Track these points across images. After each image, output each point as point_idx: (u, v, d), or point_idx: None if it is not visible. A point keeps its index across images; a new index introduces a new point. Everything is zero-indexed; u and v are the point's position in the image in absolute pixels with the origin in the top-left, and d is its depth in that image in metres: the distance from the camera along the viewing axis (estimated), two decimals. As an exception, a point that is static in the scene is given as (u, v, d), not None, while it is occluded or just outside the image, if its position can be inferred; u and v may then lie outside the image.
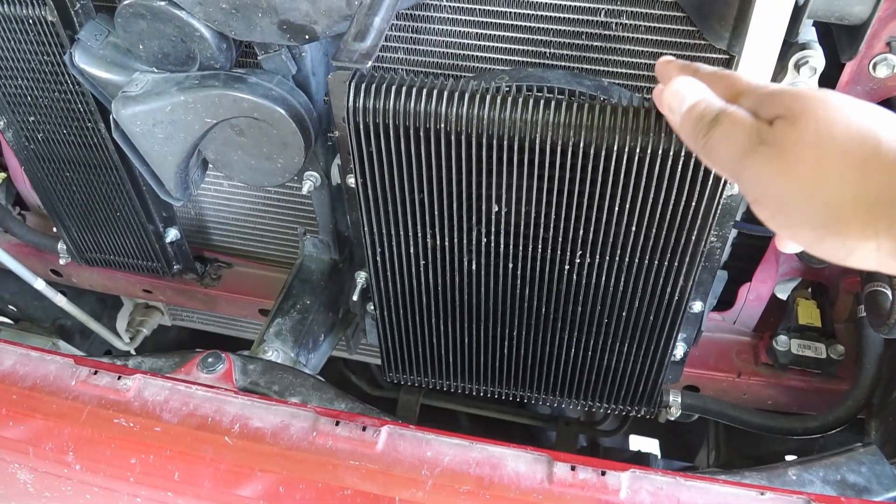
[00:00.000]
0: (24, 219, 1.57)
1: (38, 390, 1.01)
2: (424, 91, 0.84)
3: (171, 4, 0.91)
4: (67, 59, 1.01)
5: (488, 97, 0.83)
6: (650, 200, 0.87)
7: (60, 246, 1.43)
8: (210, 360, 1.00)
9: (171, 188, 1.01)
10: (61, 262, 1.45)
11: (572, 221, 0.92)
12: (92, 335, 1.79)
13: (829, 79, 0.95)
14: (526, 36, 1.01)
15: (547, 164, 0.86)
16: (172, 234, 1.35)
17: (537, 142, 0.84)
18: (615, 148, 0.82)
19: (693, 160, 0.82)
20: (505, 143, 0.85)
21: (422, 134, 0.86)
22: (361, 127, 0.87)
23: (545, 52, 1.01)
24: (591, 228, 0.92)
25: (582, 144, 0.83)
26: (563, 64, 1.01)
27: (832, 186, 0.49)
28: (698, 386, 1.33)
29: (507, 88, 0.87)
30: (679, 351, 1.10)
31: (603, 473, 0.88)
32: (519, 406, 2.04)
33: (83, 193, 1.29)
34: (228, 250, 1.47)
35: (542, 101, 0.83)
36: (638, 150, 0.82)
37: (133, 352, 1.87)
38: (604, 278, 0.98)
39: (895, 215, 0.46)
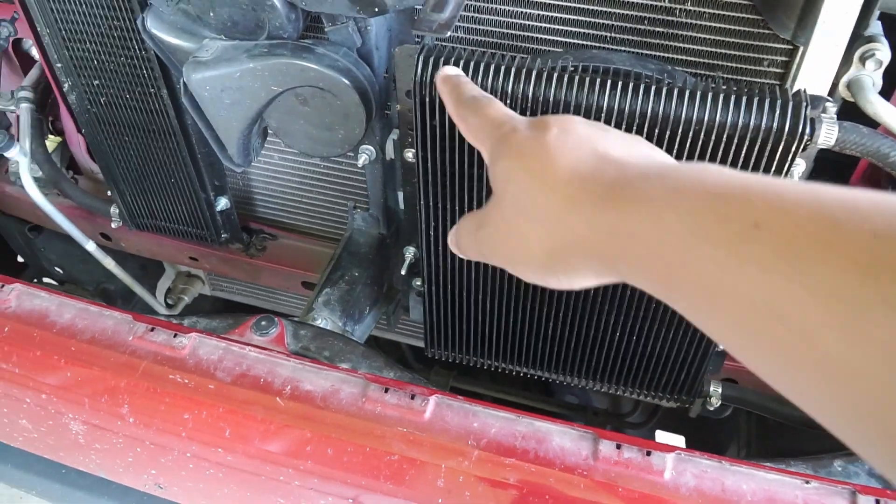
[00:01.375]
0: (76, 182, 1.61)
1: (96, 343, 1.04)
2: (492, 67, 0.86)
3: (244, -27, 0.93)
4: (139, 24, 1.03)
5: (555, 76, 0.84)
6: (709, 186, 0.88)
7: (113, 210, 1.46)
8: (263, 323, 1.02)
9: (234, 154, 1.03)
10: (113, 225, 1.48)
11: (629, 204, 0.92)
12: (133, 300, 1.83)
13: (892, 74, 0.95)
14: (588, 19, 1.01)
15: (609, 145, 0.87)
16: (223, 202, 1.38)
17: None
18: (679, 131, 0.83)
19: (758, 146, 0.82)
20: (569, 121, 0.86)
21: (486, 109, 0.87)
22: (427, 100, 0.89)
23: (606, 37, 1.02)
24: (648, 211, 0.93)
25: (646, 128, 0.84)
26: (624, 49, 1.02)
27: (533, 247, 0.58)
28: (737, 379, 1.33)
29: (573, 69, 0.88)
30: (722, 341, 1.11)
31: (648, 453, 0.89)
32: (545, 393, 2.05)
33: (140, 158, 1.32)
34: (274, 222, 1.50)
35: (608, 83, 0.83)
36: (703, 135, 0.83)
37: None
38: (655, 263, 0.99)
39: (578, 255, 0.54)
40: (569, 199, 0.54)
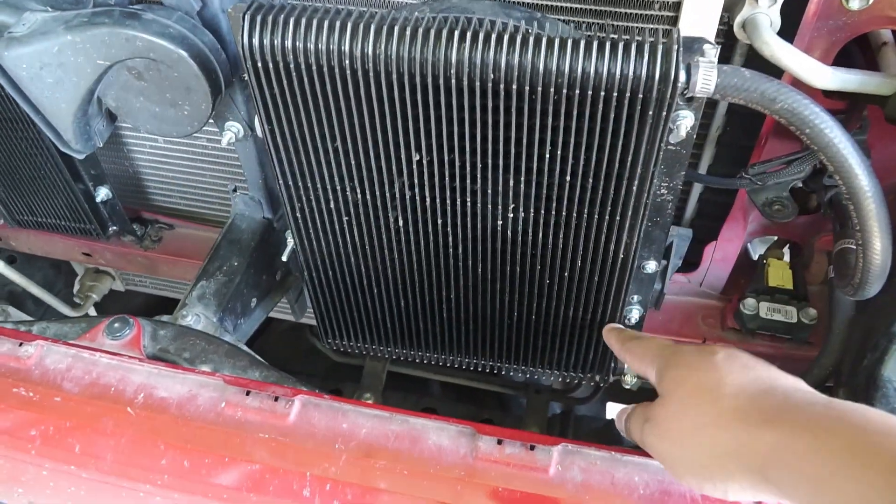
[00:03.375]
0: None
1: (-68, 358, 0.94)
2: (326, 23, 0.75)
3: (55, -68, 0.81)
4: (-45, -1, 0.91)
5: (396, 29, 0.74)
6: (583, 144, 0.78)
7: (-8, 207, 1.35)
8: (116, 325, 0.93)
9: (70, 139, 0.92)
10: (-5, 224, 1.37)
11: (500, 171, 0.83)
12: (45, 302, 1.73)
13: (793, 12, 0.85)
14: (459, -34, 0.91)
15: (467, 107, 0.77)
16: (103, 192, 1.27)
17: (453, 80, 0.74)
18: (539, 87, 0.73)
19: (628, 96, 0.73)
20: (418, 81, 0.75)
21: (325, 73, 0.77)
22: (261, 67, 0.78)
23: (481, -16, 0.91)
24: (522, 179, 0.83)
25: (503, 82, 0.74)
26: (499, -3, 0.92)
27: (694, 448, 0.65)
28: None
29: (424, 20, 0.77)
30: (634, 314, 1.02)
31: (532, 448, 0.80)
32: (492, 374, 1.97)
33: (2, 151, 1.20)
34: (169, 210, 1.39)
35: (456, 34, 0.73)
36: (565, 89, 0.73)
37: (93, 314, 1.80)
38: (540, 235, 0.89)
39: (737, 462, 0.61)
40: (736, 411, 0.62)
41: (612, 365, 1.08)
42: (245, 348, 0.96)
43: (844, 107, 0.97)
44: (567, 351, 1.05)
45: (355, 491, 0.80)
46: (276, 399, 0.85)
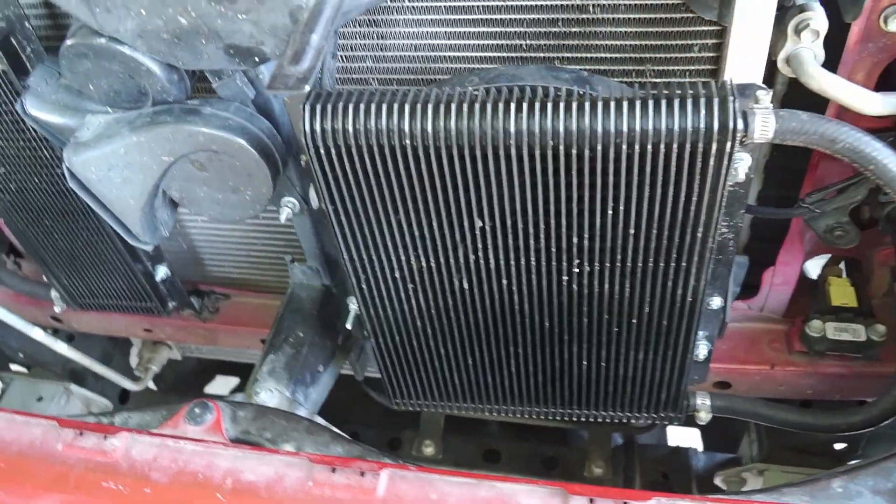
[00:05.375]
0: (19, 266, 1.54)
1: (24, 456, 0.96)
2: (385, 106, 0.77)
3: (112, 40, 0.85)
4: (19, 108, 0.95)
5: (454, 106, 0.75)
6: (645, 199, 0.79)
7: (53, 294, 1.39)
8: (197, 410, 0.94)
9: (138, 232, 0.95)
10: (56, 309, 1.41)
11: (563, 229, 0.84)
12: (104, 376, 1.76)
13: (835, 42, 0.85)
14: (498, 29, 0.93)
15: (527, 172, 0.78)
16: (162, 271, 1.30)
17: (513, 149, 0.76)
18: (599, 147, 0.74)
19: (688, 150, 0.73)
20: (478, 153, 0.77)
21: (387, 152, 0.79)
22: (322, 151, 0.80)
23: (521, 45, 0.93)
24: (586, 235, 0.84)
25: (562, 147, 0.75)
26: (542, 55, 0.93)
27: None
28: (729, 381, 1.24)
29: (477, 92, 0.79)
30: (702, 350, 1.02)
31: None
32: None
33: (65, 240, 1.24)
34: (225, 281, 1.42)
35: (512, 105, 0.74)
36: (625, 147, 0.74)
37: (152, 385, 1.84)
38: (607, 286, 0.90)
39: None
40: None
41: (686, 403, 1.08)
42: (323, 422, 0.97)
43: (892, 124, 0.96)
44: (639, 393, 1.05)
45: (450, 560, 0.81)
46: (363, 474, 0.86)
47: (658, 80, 0.91)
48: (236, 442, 0.94)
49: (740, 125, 0.71)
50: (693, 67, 0.91)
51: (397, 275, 0.93)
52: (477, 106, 0.75)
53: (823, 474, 0.82)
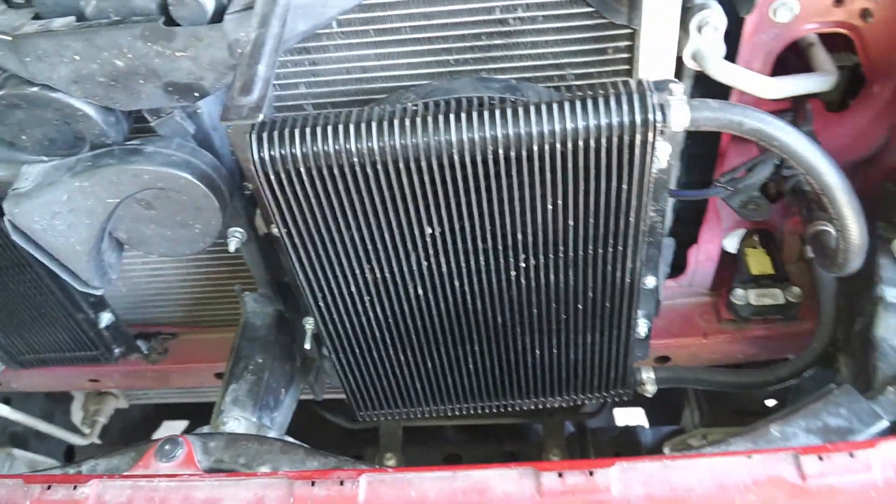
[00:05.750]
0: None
1: (-9, 519, 0.94)
2: (329, 128, 0.81)
3: (45, 88, 0.85)
4: (-53, 165, 0.94)
5: (396, 122, 0.80)
6: (581, 191, 0.85)
7: (-10, 354, 1.35)
8: (167, 447, 0.95)
9: (88, 278, 0.95)
10: (-5, 370, 1.36)
11: (507, 227, 0.89)
12: (48, 435, 1.71)
13: (733, 35, 0.94)
14: (426, 47, 0.98)
15: (471, 177, 0.83)
16: (106, 318, 1.28)
17: (455, 157, 0.81)
18: (535, 148, 0.80)
19: (616, 143, 0.80)
20: (423, 164, 0.82)
21: (336, 171, 0.82)
22: (272, 177, 0.83)
23: (449, 60, 0.99)
24: (528, 231, 0.89)
25: (501, 151, 0.80)
26: (470, 68, 0.99)
27: None
28: (668, 355, 1.32)
29: (415, 108, 0.84)
30: (643, 328, 1.09)
31: (591, 473, 0.86)
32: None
33: (1, 298, 1.21)
34: (171, 321, 1.41)
35: (451, 117, 0.80)
36: (559, 146, 0.80)
37: (98, 440, 1.79)
38: (552, 276, 0.96)
39: None
40: None
41: (633, 379, 1.15)
42: (295, 441, 0.99)
43: (790, 105, 1.07)
44: (591, 374, 1.12)
45: (438, 554, 0.84)
46: (342, 483, 0.89)
47: (579, 83, 0.98)
48: (211, 472, 0.94)
49: (659, 117, 0.78)
50: (609, 69, 0.98)
51: (353, 289, 0.97)
52: (418, 121, 0.80)
53: (762, 422, 0.90)
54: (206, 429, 1.04)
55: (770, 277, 1.26)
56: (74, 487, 0.93)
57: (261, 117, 0.67)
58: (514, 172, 0.83)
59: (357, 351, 1.06)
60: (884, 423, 0.84)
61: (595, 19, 0.94)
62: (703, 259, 1.26)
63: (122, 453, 0.98)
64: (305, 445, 0.98)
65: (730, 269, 1.31)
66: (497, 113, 0.79)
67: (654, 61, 0.92)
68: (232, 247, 1.04)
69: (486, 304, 0.99)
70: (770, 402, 1.59)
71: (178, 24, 0.79)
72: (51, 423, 1.68)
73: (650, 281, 1.03)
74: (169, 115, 0.90)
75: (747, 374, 1.18)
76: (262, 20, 0.76)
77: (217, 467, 0.96)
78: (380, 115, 0.81)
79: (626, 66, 0.97)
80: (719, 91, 0.97)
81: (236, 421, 1.05)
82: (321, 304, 0.99)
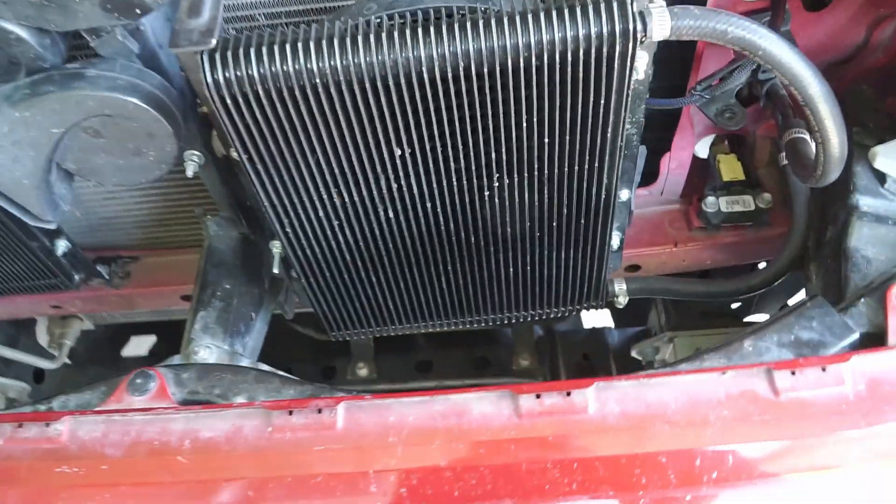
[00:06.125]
0: None
1: (-38, 459, 0.92)
2: (288, 46, 0.75)
3: (-31, 8, 0.76)
4: None
5: (360, 38, 0.74)
6: (557, 107, 0.81)
7: (-56, 284, 1.29)
8: (139, 381, 0.93)
9: (38, 212, 0.89)
10: (-49, 301, 1.31)
11: (481, 146, 0.85)
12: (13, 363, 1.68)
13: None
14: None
15: (441, 96, 0.79)
16: (62, 245, 1.23)
17: (425, 75, 0.76)
18: (509, 63, 0.75)
19: (594, 55, 0.76)
20: (390, 82, 0.77)
21: (297, 93, 0.77)
22: (229, 100, 0.78)
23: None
24: (503, 149, 0.86)
25: (473, 67, 0.75)
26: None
27: None
28: (639, 263, 1.32)
29: (378, 21, 0.77)
30: (615, 240, 1.08)
31: (568, 394, 0.87)
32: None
33: (-51, 232, 1.15)
34: (131, 244, 1.36)
35: (419, 31, 0.74)
36: (534, 60, 0.75)
37: (68, 360, 1.76)
38: (527, 195, 0.93)
39: None
40: None
41: (605, 290, 1.15)
42: (269, 368, 0.98)
43: (768, 5, 1.02)
44: (564, 289, 1.12)
45: (419, 475, 0.86)
46: (320, 411, 0.89)
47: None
48: (186, 404, 0.93)
49: (640, 27, 0.74)
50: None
51: (321, 213, 0.93)
52: (383, 36, 0.74)
53: (735, 337, 0.91)
54: (176, 359, 1.02)
55: (741, 183, 1.25)
56: (47, 425, 0.92)
57: (213, 42, 0.61)
58: (486, 89, 0.78)
59: (327, 274, 1.04)
60: (855, 336, 0.86)
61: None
62: (674, 167, 1.24)
63: (93, 388, 0.96)
64: (280, 373, 0.98)
65: (700, 174, 1.30)
66: (468, 25, 0.74)
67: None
68: (189, 171, 0.98)
69: (458, 224, 0.97)
70: (735, 306, 1.62)
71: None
72: (16, 348, 1.65)
73: (624, 194, 1.01)
74: (109, 34, 0.83)
75: (718, 283, 1.19)
76: (206, -75, 0.68)
77: (192, 399, 0.95)
78: (341, 31, 0.75)
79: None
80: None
81: (208, 349, 1.03)
82: (288, 229, 0.95)
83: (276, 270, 1.04)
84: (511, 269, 1.06)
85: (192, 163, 0.99)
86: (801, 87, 0.79)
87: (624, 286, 1.19)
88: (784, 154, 1.06)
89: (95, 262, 1.34)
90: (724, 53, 1.06)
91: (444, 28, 0.74)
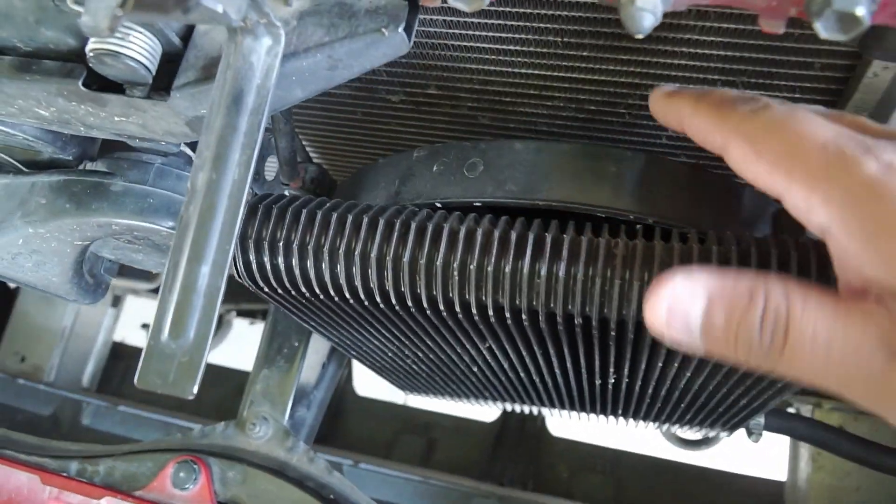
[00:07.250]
0: None
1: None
2: (342, 249, 0.53)
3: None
4: None
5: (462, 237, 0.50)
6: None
7: None
8: (182, 474, 0.85)
9: (75, 298, 0.77)
10: None
11: (597, 368, 0.63)
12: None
13: None
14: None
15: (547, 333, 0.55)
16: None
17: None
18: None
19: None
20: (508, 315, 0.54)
21: (352, 301, 0.56)
22: (264, 287, 0.58)
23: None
24: (638, 379, 0.63)
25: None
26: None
27: None
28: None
29: (476, 226, 0.53)
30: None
31: None
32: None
33: None
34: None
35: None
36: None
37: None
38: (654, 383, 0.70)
39: None
40: None
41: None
42: (317, 476, 0.87)
43: None
44: (713, 416, 0.90)
45: None
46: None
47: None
48: (226, 507, 0.86)
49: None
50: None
51: (389, 356, 0.76)
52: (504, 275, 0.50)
53: None
54: (230, 428, 0.93)
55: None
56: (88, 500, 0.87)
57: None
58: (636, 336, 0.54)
59: (396, 377, 0.88)
60: None
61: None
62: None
63: (141, 460, 0.90)
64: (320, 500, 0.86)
65: None
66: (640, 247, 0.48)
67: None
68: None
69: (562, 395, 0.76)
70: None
71: (104, 79, 0.50)
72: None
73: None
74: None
75: (881, 452, 0.91)
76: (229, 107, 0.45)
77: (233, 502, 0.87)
78: (423, 219, 0.52)
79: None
80: None
81: (265, 423, 0.93)
82: (353, 352, 0.79)
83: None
84: (667, 390, 0.85)
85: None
86: None
87: (762, 420, 0.94)
88: None
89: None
90: None
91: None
